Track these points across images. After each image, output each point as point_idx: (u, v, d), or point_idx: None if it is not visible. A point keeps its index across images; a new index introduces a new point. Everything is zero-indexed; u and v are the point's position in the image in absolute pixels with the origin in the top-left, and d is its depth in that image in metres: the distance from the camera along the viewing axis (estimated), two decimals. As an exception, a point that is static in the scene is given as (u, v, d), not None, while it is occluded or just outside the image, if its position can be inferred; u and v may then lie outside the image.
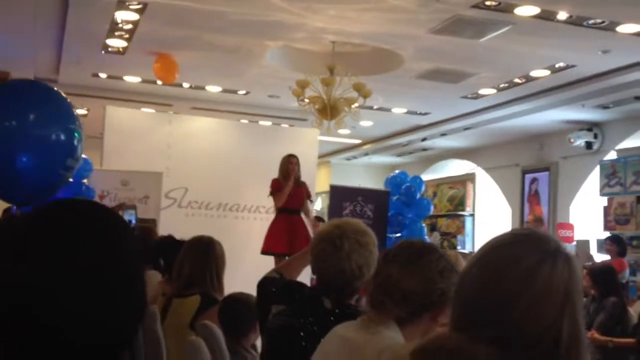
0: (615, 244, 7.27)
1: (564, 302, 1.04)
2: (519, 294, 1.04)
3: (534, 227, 7.63)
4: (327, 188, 8.95)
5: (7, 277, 0.87)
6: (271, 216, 7.11)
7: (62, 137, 2.86)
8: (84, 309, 0.87)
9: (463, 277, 1.13)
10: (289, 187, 6.52)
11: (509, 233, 1.15)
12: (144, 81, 8.27)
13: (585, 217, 9.44)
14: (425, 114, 9.64)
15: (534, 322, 1.03)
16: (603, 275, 5.24)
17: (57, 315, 0.86)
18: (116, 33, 6.42)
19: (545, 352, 1.02)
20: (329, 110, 6.73)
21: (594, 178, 9.22)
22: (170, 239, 4.04)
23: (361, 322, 1.71)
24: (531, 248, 1.08)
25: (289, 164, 6.60)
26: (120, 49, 6.94)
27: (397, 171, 9.11)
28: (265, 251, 6.54)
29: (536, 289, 1.04)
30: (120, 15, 5.95)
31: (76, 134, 2.93)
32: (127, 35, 6.48)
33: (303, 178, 6.83)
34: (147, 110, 9.35)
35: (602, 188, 8.91)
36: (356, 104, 6.79)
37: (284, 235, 6.43)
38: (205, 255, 3.16)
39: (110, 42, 6.69)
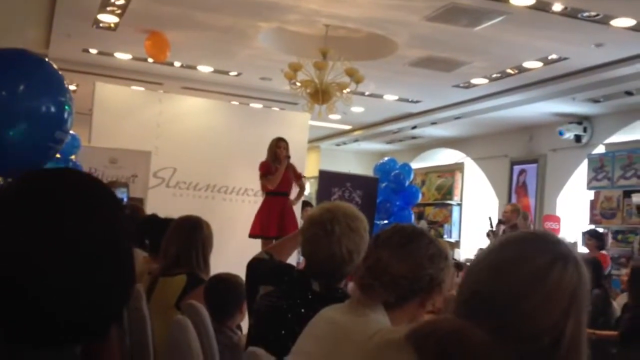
0: (594, 238, 7.32)
1: (570, 304, 1.06)
2: (528, 292, 1.05)
3: (510, 219, 7.75)
4: (316, 173, 8.93)
5: None
6: (259, 199, 7.09)
7: (52, 109, 2.82)
8: (69, 281, 0.85)
9: (472, 268, 1.15)
10: (280, 171, 6.48)
11: (523, 232, 1.17)
12: (134, 58, 8.19)
13: (572, 210, 9.50)
14: (417, 102, 9.64)
15: (538, 320, 1.04)
16: (588, 268, 5.27)
17: (42, 286, 0.84)
18: (108, 8, 6.35)
19: (543, 350, 1.03)
20: (320, 95, 6.70)
21: (582, 171, 9.27)
22: (154, 217, 4.02)
23: (349, 305, 1.71)
24: (544, 248, 1.10)
25: (277, 148, 6.56)
26: (112, 25, 6.86)
27: (386, 158, 9.12)
28: (253, 234, 6.51)
29: (545, 289, 1.06)
30: (113, -9, 5.88)
31: (66, 107, 2.89)
32: (118, 11, 6.41)
33: (292, 162, 6.80)
34: (137, 88, 9.27)
35: (589, 182, 8.96)
36: (348, 89, 6.77)
37: (274, 219, 6.40)
38: (192, 235, 3.15)
39: (102, 17, 6.61)
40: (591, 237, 7.39)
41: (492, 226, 8.78)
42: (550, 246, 1.10)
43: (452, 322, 1.05)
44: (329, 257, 2.05)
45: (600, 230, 8.37)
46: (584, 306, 1.08)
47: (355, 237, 2.07)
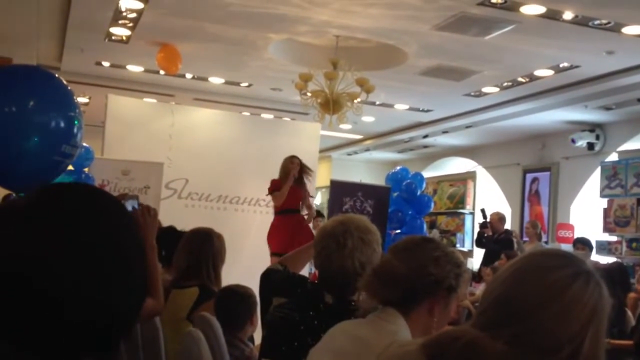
0: (586, 246, 7.69)
1: (591, 319, 1.07)
2: (547, 301, 1.06)
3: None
4: (327, 183, 8.93)
5: (4, 247, 0.87)
6: (271, 209, 7.10)
7: (61, 123, 2.86)
8: (78, 283, 0.87)
9: (496, 278, 1.16)
10: (287, 187, 6.50)
11: (552, 247, 1.19)
12: (146, 71, 8.25)
13: (585, 218, 9.43)
14: (428, 111, 9.63)
15: (558, 331, 1.05)
16: (606, 277, 5.24)
17: (50, 285, 0.86)
18: (120, 22, 6.40)
19: None
20: (331, 105, 6.71)
21: (595, 179, 9.21)
22: (170, 229, 4.04)
23: (368, 319, 1.70)
24: (568, 263, 1.12)
25: (291, 164, 6.59)
26: (124, 38, 6.92)
27: (398, 167, 9.10)
28: (274, 252, 6.47)
29: (566, 300, 1.07)
30: (125, 4, 5.93)
31: (76, 122, 2.93)
32: (131, 24, 6.46)
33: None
34: (149, 100, 9.33)
35: (602, 189, 8.90)
36: (359, 99, 6.78)
37: (285, 237, 6.39)
38: (203, 247, 3.16)
39: (114, 30, 6.67)
40: (585, 245, 7.72)
41: (484, 217, 8.85)
42: (574, 261, 1.13)
43: (469, 332, 1.06)
44: (341, 269, 2.05)
45: (614, 238, 8.35)
46: (603, 325, 1.09)
47: (368, 250, 2.06)
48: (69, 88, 3.19)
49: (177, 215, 6.95)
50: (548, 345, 1.03)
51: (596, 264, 5.95)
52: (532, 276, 1.10)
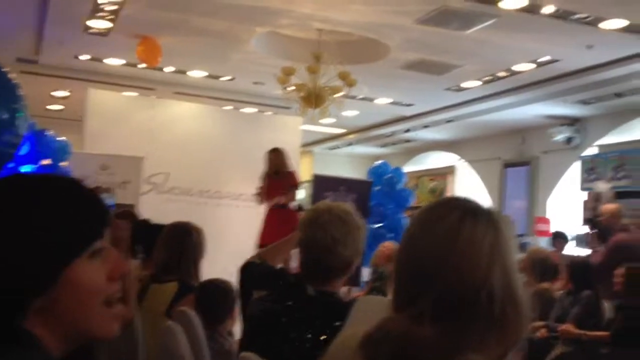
0: (563, 239, 7.87)
1: (492, 258, 1.03)
2: (445, 252, 1.04)
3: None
4: (309, 177, 8.93)
5: None
6: (253, 204, 7.09)
7: (4, 115, 2.93)
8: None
9: (398, 252, 1.13)
10: (263, 188, 6.62)
11: (434, 201, 1.15)
12: (126, 64, 8.18)
13: (563, 211, 9.52)
14: (409, 105, 9.65)
15: (465, 279, 1.02)
16: (580, 269, 5.29)
17: None
18: (99, 14, 6.33)
19: (484, 314, 1.01)
20: (313, 99, 6.70)
21: (573, 173, 9.30)
22: (147, 223, 4.00)
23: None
24: (452, 207, 1.09)
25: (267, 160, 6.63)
26: (103, 31, 6.85)
27: (379, 162, 9.12)
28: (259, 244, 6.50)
29: (459, 246, 1.04)
30: (104, -4, 5.87)
31: (19, 113, 3.02)
32: (110, 17, 6.40)
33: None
34: (130, 93, 9.25)
35: (582, 183, 8.99)
36: (341, 93, 6.77)
37: (273, 229, 6.41)
38: (182, 242, 3.13)
39: (93, 23, 6.60)
40: (563, 239, 7.88)
41: None
42: (457, 205, 1.09)
43: (399, 321, 1.04)
44: (312, 242, 2.03)
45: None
46: (509, 261, 1.05)
47: (343, 228, 2.03)
48: (14, 81, 3.25)
49: (157, 209, 6.89)
50: (464, 299, 1.01)
51: (572, 258, 6.00)
52: (421, 237, 1.08)
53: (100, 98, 8.38)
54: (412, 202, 8.75)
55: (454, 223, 1.06)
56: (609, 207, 6.24)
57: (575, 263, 5.46)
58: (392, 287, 1.13)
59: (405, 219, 8.44)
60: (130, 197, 7.22)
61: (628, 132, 8.79)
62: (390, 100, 9.44)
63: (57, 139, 7.02)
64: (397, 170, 8.68)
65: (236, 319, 2.81)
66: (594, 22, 5.71)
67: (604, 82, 7.33)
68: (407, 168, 11.09)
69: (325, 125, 11.24)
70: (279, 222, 6.42)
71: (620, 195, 8.33)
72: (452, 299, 1.02)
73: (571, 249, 8.15)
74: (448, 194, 12.44)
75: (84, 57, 8.02)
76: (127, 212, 4.75)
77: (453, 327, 1.01)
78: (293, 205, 6.89)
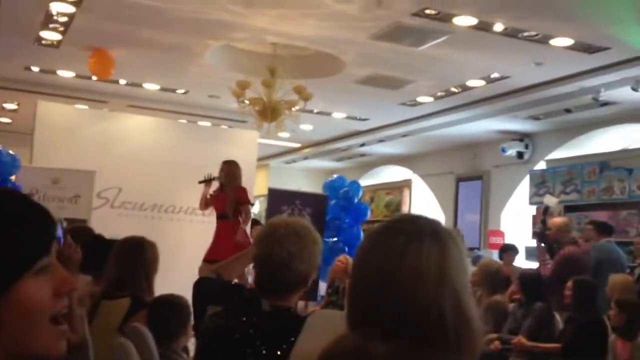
0: (513, 252, 7.98)
1: (440, 279, 1.04)
2: (391, 274, 1.04)
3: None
4: (265, 191, 8.89)
5: None
6: (207, 218, 7.01)
7: None
8: None
9: (352, 268, 1.14)
10: (203, 194, 6.61)
11: (384, 223, 1.16)
12: (78, 76, 8.03)
13: (515, 225, 9.71)
14: (365, 119, 9.73)
15: (412, 301, 1.02)
16: (531, 281, 5.39)
17: None
18: (51, 25, 6.21)
19: (437, 333, 1.02)
20: (269, 113, 6.70)
21: (524, 187, 9.51)
22: (100, 238, 3.92)
23: None
24: (397, 231, 1.09)
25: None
26: (55, 42, 6.72)
27: (335, 176, 9.16)
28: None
29: (406, 269, 1.04)
30: (56, 7, 5.76)
31: None
32: (62, 28, 6.28)
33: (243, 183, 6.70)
34: (81, 106, 9.08)
35: (531, 197, 9.19)
36: (297, 107, 6.79)
37: (213, 242, 6.35)
38: (135, 256, 3.08)
39: (44, 34, 6.47)
40: (514, 252, 8.00)
41: None
42: (403, 228, 1.09)
43: (353, 338, 1.04)
44: (267, 257, 2.02)
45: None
46: (460, 282, 1.06)
47: (299, 243, 2.03)
48: None
49: (110, 225, 6.75)
50: (414, 317, 1.02)
51: (522, 270, 6.10)
52: (371, 256, 1.09)
53: (50, 111, 8.19)
54: (368, 216, 8.81)
55: (399, 247, 1.06)
56: (556, 220, 6.37)
57: (526, 275, 5.56)
58: (348, 302, 1.13)
59: (361, 233, 8.49)
60: (81, 212, 7.06)
61: (577, 147, 9.04)
62: (346, 114, 9.50)
63: (6, 152, 6.83)
64: (354, 183, 8.73)
65: (190, 335, 2.77)
66: (542, 40, 5.87)
67: (553, 98, 7.53)
68: (363, 182, 11.16)
69: (282, 139, 11.24)
70: (222, 234, 6.35)
71: (569, 209, 8.55)
72: (401, 318, 1.02)
73: (521, 262, 8.30)
74: (404, 207, 12.56)
75: (34, 68, 7.84)
76: (81, 228, 4.65)
77: (405, 345, 1.01)
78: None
